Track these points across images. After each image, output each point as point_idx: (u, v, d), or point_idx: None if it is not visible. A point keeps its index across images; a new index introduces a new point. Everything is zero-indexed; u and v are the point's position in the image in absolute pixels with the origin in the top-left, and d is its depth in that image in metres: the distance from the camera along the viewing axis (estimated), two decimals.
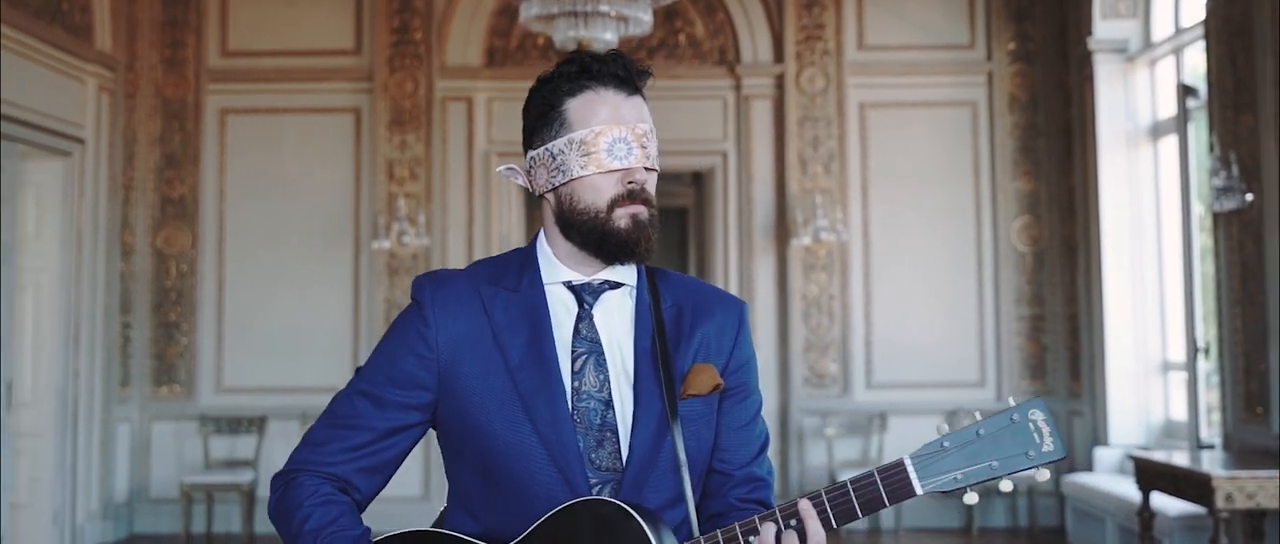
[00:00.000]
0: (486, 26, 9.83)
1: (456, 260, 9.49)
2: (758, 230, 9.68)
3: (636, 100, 2.05)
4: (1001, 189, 9.65)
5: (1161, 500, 7.24)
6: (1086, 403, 9.21)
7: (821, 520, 1.86)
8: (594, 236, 2.00)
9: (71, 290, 8.67)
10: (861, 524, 9.37)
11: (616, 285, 2.06)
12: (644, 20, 7.25)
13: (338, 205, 9.71)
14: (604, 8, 7.03)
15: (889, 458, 9.17)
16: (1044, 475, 1.87)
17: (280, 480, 2.04)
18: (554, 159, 2.02)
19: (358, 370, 2.08)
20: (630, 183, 1.99)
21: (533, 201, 10.76)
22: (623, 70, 2.04)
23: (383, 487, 2.09)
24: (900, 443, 9.25)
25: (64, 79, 8.60)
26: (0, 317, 7.79)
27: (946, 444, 1.87)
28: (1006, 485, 1.88)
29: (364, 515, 2.06)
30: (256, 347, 9.60)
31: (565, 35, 7.10)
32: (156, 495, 9.47)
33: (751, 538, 1.88)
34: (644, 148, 2.02)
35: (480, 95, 9.70)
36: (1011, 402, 1.89)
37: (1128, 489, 7.86)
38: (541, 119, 2.05)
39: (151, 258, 9.62)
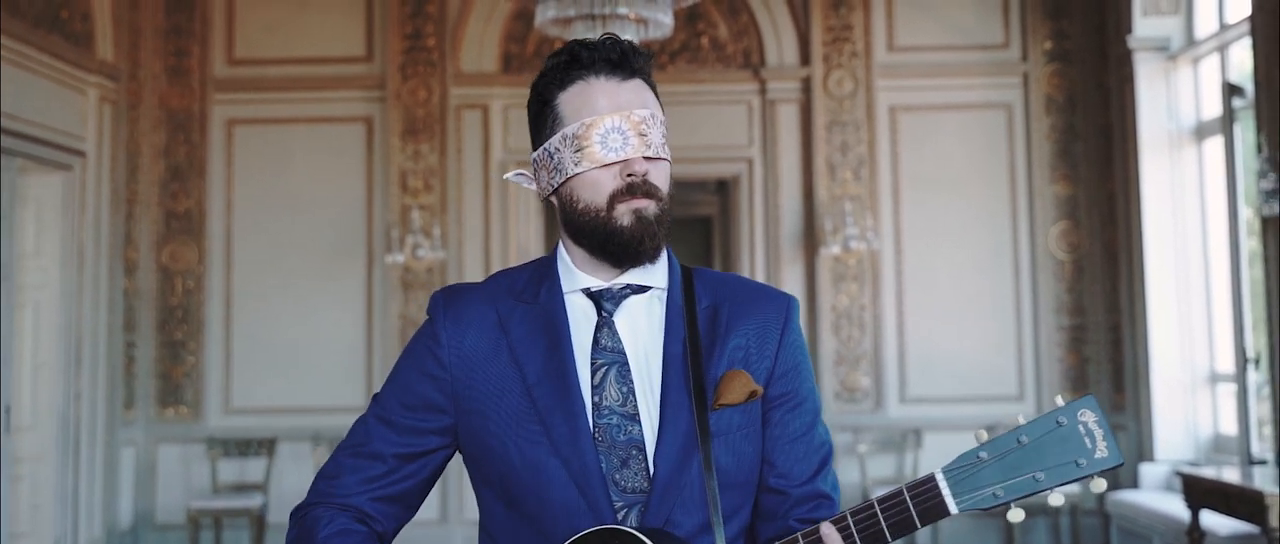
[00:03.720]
0: (502, 31, 9.78)
1: (473, 273, 9.44)
2: (785, 239, 9.60)
3: (634, 84, 1.95)
4: (1039, 194, 9.55)
5: (1212, 519, 7.12)
6: (1131, 417, 9.09)
7: None
8: (598, 237, 1.92)
9: (72, 309, 8.62)
10: None
11: (641, 289, 1.97)
12: (665, 23, 7.18)
13: (349, 218, 9.67)
14: (623, 10, 6.97)
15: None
16: (1100, 486, 1.69)
17: (297, 515, 1.97)
18: (552, 158, 1.95)
19: (375, 395, 2.01)
20: (630, 175, 1.90)
21: (551, 212, 10.71)
22: (615, 53, 1.94)
23: (407, 518, 2.03)
24: (936, 460, 9.11)
25: (64, 90, 8.57)
26: None
27: (984, 454, 1.71)
28: (1056, 499, 1.71)
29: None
30: (266, 366, 9.55)
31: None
32: (162, 521, 9.40)
33: None
34: (643, 135, 1.91)
35: (496, 102, 9.64)
36: (1059, 401, 1.72)
37: (1176, 507, 7.74)
38: (538, 117, 1.98)
39: (156, 274, 9.57)
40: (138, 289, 9.46)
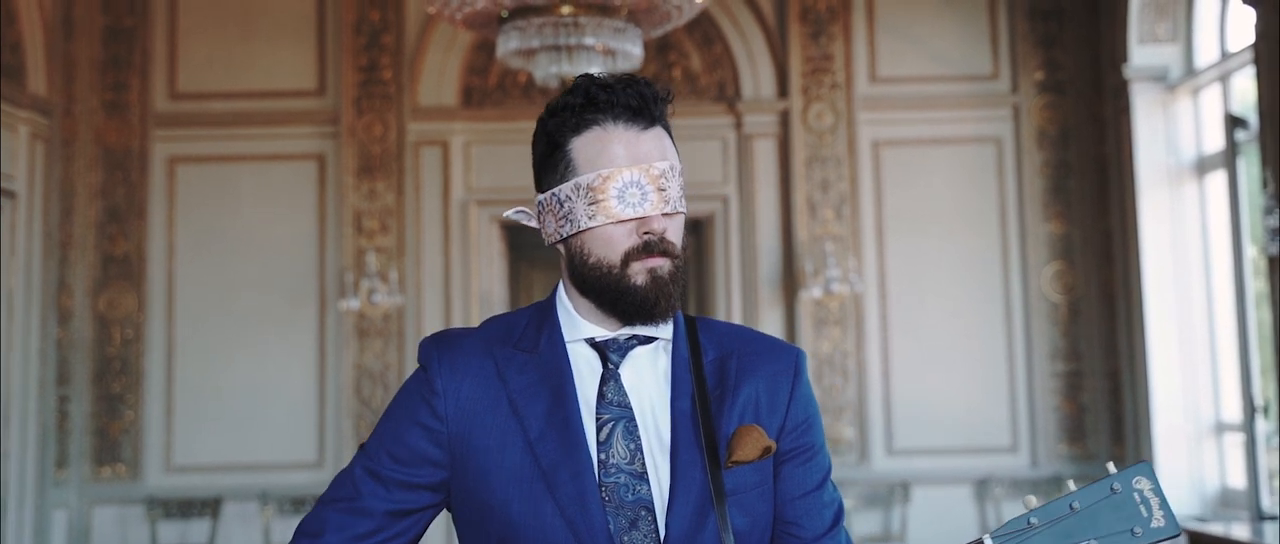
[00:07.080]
0: (462, 63, 9.66)
1: (433, 320, 9.31)
2: (763, 282, 9.49)
3: (654, 134, 1.93)
4: (1031, 233, 9.46)
5: None
6: None
7: None
8: (609, 294, 1.90)
9: (0, 361, 8.41)
10: None
11: (647, 340, 1.95)
12: (634, 54, 7.12)
13: (300, 262, 9.50)
14: (589, 41, 6.91)
15: (914, 532, 9.01)
16: None
17: None
18: (561, 206, 1.92)
19: (361, 446, 1.98)
20: (647, 233, 1.88)
21: (516, 255, 10.59)
22: (636, 99, 1.91)
23: None
24: (925, 515, 9.02)
25: None
26: None
27: (1034, 520, 1.73)
28: None
29: None
30: (210, 420, 9.34)
31: (547, 71, 7.01)
32: None
33: None
34: (662, 191, 1.89)
35: (456, 138, 9.51)
36: (1111, 468, 1.75)
37: None
38: (547, 159, 1.95)
39: (92, 323, 9.37)
40: (72, 339, 9.26)
